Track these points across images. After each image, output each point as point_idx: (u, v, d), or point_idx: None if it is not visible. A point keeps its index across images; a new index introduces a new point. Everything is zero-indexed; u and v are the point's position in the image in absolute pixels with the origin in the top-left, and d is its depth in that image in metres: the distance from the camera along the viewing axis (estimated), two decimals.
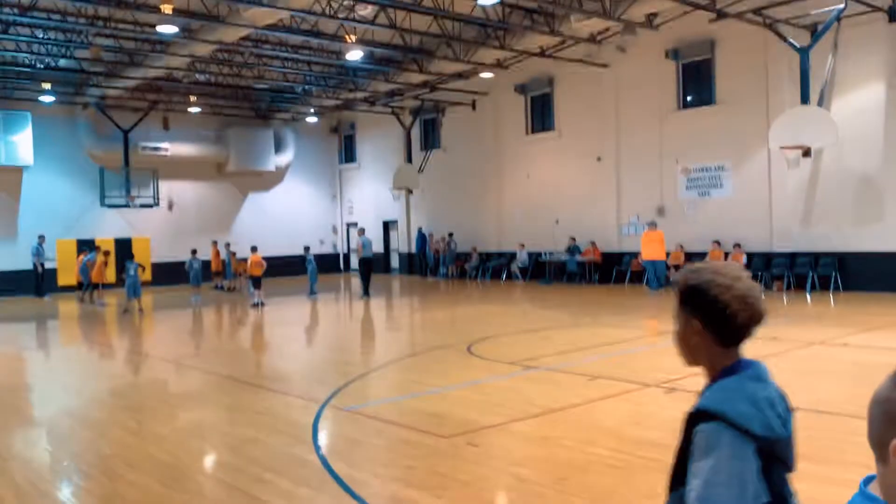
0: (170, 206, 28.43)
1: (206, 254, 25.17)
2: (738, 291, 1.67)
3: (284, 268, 27.04)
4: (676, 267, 19.90)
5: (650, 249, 19.23)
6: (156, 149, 27.60)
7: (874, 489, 1.23)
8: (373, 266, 21.50)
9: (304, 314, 17.99)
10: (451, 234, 26.93)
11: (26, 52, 20.19)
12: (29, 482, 5.61)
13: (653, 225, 19.46)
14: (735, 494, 1.51)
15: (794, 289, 17.97)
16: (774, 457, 1.59)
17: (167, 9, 15.23)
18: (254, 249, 19.99)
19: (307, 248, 21.87)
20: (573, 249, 22.78)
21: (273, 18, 17.05)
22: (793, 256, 18.24)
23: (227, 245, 25.78)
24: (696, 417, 1.62)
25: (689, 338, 1.74)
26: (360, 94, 25.64)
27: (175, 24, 17.10)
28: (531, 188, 24.66)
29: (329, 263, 32.21)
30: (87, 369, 11.49)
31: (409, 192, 27.98)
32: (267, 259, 20.73)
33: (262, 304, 18.85)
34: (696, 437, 1.59)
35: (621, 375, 8.57)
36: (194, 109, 27.90)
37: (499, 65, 22.82)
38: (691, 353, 1.76)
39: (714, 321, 1.68)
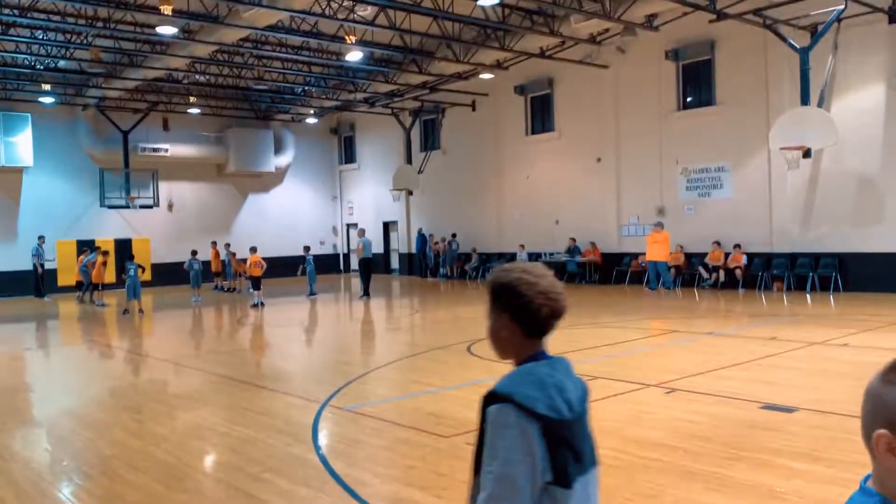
0: (170, 207, 28.45)
1: (205, 254, 25.20)
2: (541, 288, 1.81)
3: (284, 268, 27.05)
4: (678, 268, 19.91)
5: (653, 250, 19.23)
6: (155, 150, 27.62)
7: (872, 484, 1.26)
8: (372, 266, 21.50)
9: (303, 314, 17.99)
10: (454, 235, 26.94)
11: (26, 53, 20.21)
12: (29, 482, 5.61)
13: (659, 225, 19.43)
14: (525, 471, 1.64)
15: (795, 289, 17.98)
16: (560, 439, 1.69)
17: (167, 10, 15.23)
18: (253, 250, 20.01)
19: (307, 249, 21.88)
20: (573, 250, 22.78)
21: (273, 19, 17.07)
22: (793, 257, 18.24)
23: (227, 245, 25.78)
24: (488, 400, 1.72)
25: (500, 331, 1.85)
26: (359, 95, 25.65)
27: (174, 24, 17.11)
28: (531, 189, 24.66)
29: (329, 264, 32.24)
30: (87, 370, 11.49)
31: (409, 193, 27.98)
32: (267, 260, 20.76)
33: (262, 304, 18.86)
34: (488, 419, 1.70)
35: (621, 376, 8.57)
36: (194, 110, 27.91)
37: (499, 66, 22.84)
38: (501, 347, 1.87)
39: (521, 315, 1.81)
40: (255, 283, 19.38)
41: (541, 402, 1.68)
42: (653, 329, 13.12)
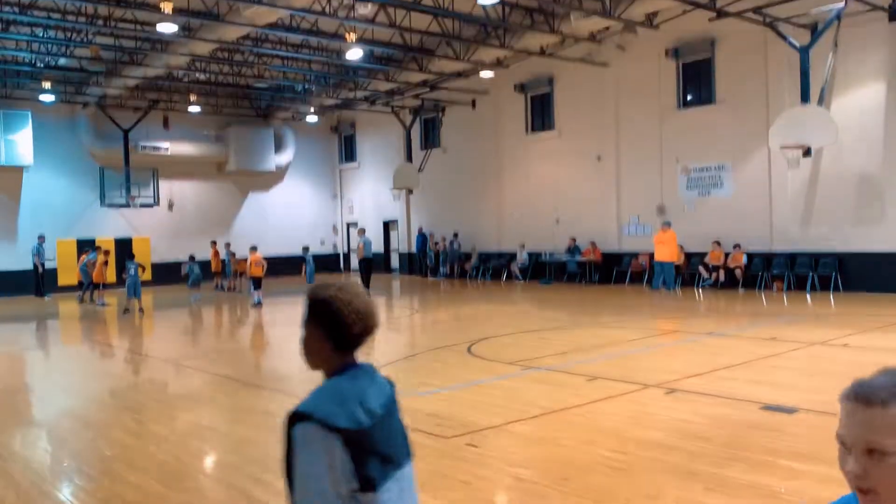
0: (170, 206, 28.45)
1: (205, 254, 25.21)
2: (355, 306, 1.95)
3: (284, 267, 27.06)
4: (677, 267, 19.88)
5: (659, 251, 19.20)
6: (156, 148, 27.61)
7: None
8: (373, 266, 21.50)
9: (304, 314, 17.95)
10: (455, 235, 26.94)
11: (26, 51, 20.20)
12: (30, 482, 5.61)
13: (666, 225, 19.36)
14: (331, 482, 1.75)
15: (795, 289, 17.97)
16: (363, 447, 1.80)
17: (167, 7, 15.22)
18: (254, 249, 20.00)
19: (306, 249, 21.96)
20: (573, 250, 22.78)
21: (273, 17, 17.06)
22: (793, 256, 18.23)
23: (227, 245, 25.77)
24: (291, 420, 1.81)
25: (313, 344, 1.97)
26: (360, 94, 25.63)
27: (175, 22, 17.09)
28: (531, 188, 24.66)
29: (329, 263, 32.24)
30: (87, 369, 11.49)
31: (410, 191, 27.97)
32: (267, 259, 20.77)
33: (260, 303, 18.86)
34: (293, 437, 1.80)
35: (621, 376, 8.56)
36: (194, 109, 27.88)
37: (499, 64, 22.81)
38: (313, 358, 1.99)
39: (334, 330, 1.94)
40: (256, 282, 19.39)
41: (341, 417, 1.78)
42: (653, 329, 13.11)
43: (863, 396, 1.21)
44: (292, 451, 1.80)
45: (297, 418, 1.80)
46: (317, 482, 1.75)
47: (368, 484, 1.80)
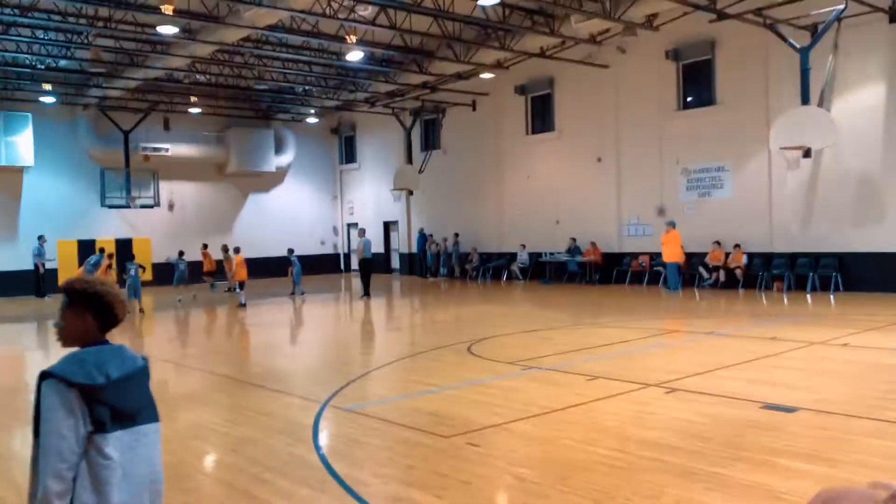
0: (170, 207, 28.45)
1: (198, 255, 25.19)
2: (117, 296, 2.51)
3: (283, 269, 26.99)
4: (678, 267, 19.88)
5: (664, 251, 19.20)
6: (156, 149, 27.61)
7: None
8: (373, 266, 21.52)
9: (303, 314, 17.99)
10: (456, 235, 26.93)
11: (27, 53, 20.22)
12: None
13: (670, 225, 19.34)
14: (69, 423, 2.24)
15: (795, 289, 17.96)
16: (97, 400, 2.29)
17: (167, 9, 15.23)
18: (237, 250, 20.42)
19: (291, 251, 22.41)
20: (573, 250, 22.77)
21: (273, 19, 17.07)
22: (793, 257, 18.23)
23: (225, 249, 25.69)
24: (41, 377, 2.29)
25: (78, 326, 2.45)
26: (360, 95, 25.65)
27: (175, 24, 17.11)
28: (531, 189, 24.66)
29: (329, 264, 32.24)
30: None
31: (410, 193, 27.97)
32: (266, 259, 20.83)
33: (245, 304, 19.11)
34: (41, 391, 2.28)
35: (621, 375, 8.56)
36: (195, 110, 27.90)
37: (499, 65, 22.83)
38: (74, 338, 2.46)
39: (103, 315, 2.48)
40: (241, 284, 19.74)
41: (76, 374, 2.27)
42: (653, 329, 13.11)
43: None
44: (40, 402, 2.27)
45: (44, 376, 2.28)
46: (53, 423, 2.23)
47: (100, 426, 2.28)
